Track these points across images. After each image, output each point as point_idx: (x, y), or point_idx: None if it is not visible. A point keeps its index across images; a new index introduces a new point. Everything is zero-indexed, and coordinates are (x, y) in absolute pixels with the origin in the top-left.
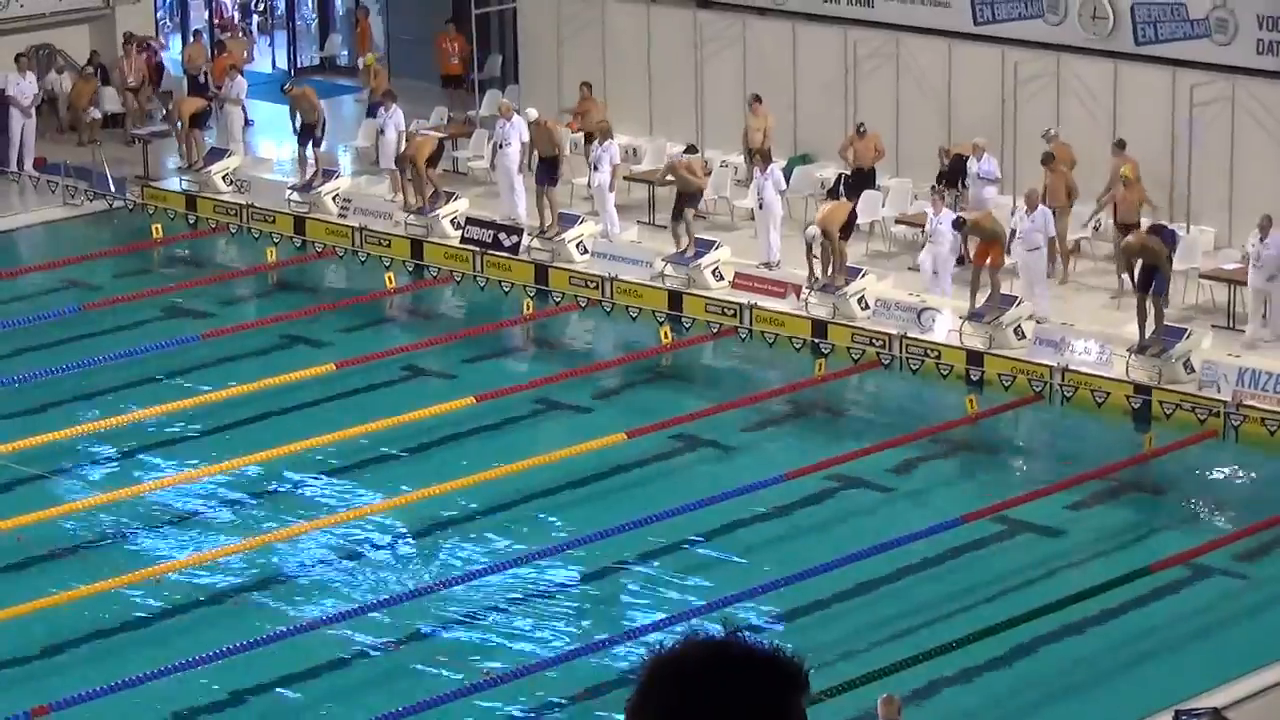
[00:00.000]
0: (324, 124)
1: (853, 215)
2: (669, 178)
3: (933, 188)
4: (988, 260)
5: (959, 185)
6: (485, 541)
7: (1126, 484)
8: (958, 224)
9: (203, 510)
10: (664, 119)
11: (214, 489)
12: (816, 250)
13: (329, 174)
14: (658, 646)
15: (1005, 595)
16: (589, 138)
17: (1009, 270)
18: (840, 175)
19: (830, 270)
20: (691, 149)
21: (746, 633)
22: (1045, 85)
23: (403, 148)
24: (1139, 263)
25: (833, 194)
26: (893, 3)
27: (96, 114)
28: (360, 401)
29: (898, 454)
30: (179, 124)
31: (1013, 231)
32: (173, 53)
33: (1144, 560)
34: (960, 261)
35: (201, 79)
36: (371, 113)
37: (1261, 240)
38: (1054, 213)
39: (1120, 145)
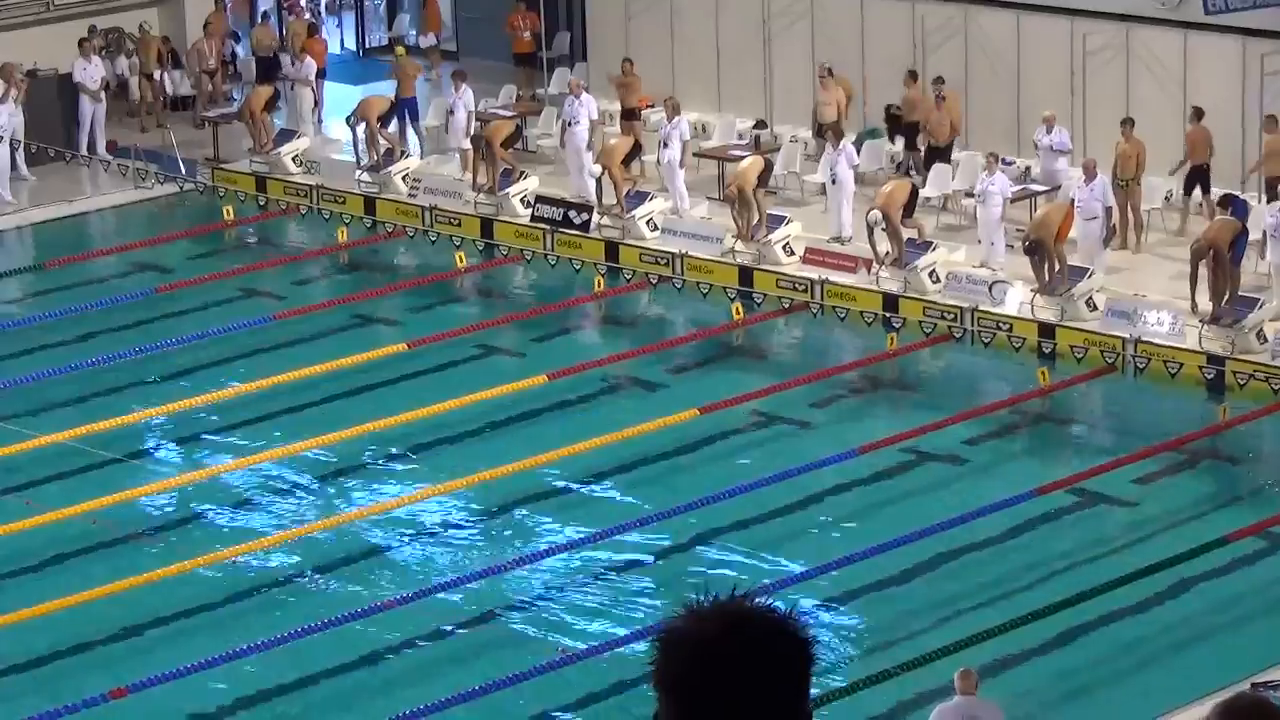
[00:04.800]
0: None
1: (914, 193)
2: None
3: (991, 155)
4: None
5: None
6: (559, 519)
7: (1201, 455)
8: (1030, 249)
9: (277, 491)
10: (732, 95)
11: (288, 470)
12: (879, 234)
13: (404, 153)
14: (669, 619)
15: (1081, 567)
16: (632, 113)
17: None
18: (906, 154)
19: (895, 250)
20: (761, 124)
21: (751, 598)
22: (1114, 56)
23: (472, 128)
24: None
25: (902, 168)
26: None
27: (168, 85)
28: (432, 381)
29: (971, 427)
30: (248, 120)
31: (1071, 200)
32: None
33: (1220, 531)
34: (1031, 250)
35: (273, 61)
36: (401, 111)
37: None
38: (1125, 184)
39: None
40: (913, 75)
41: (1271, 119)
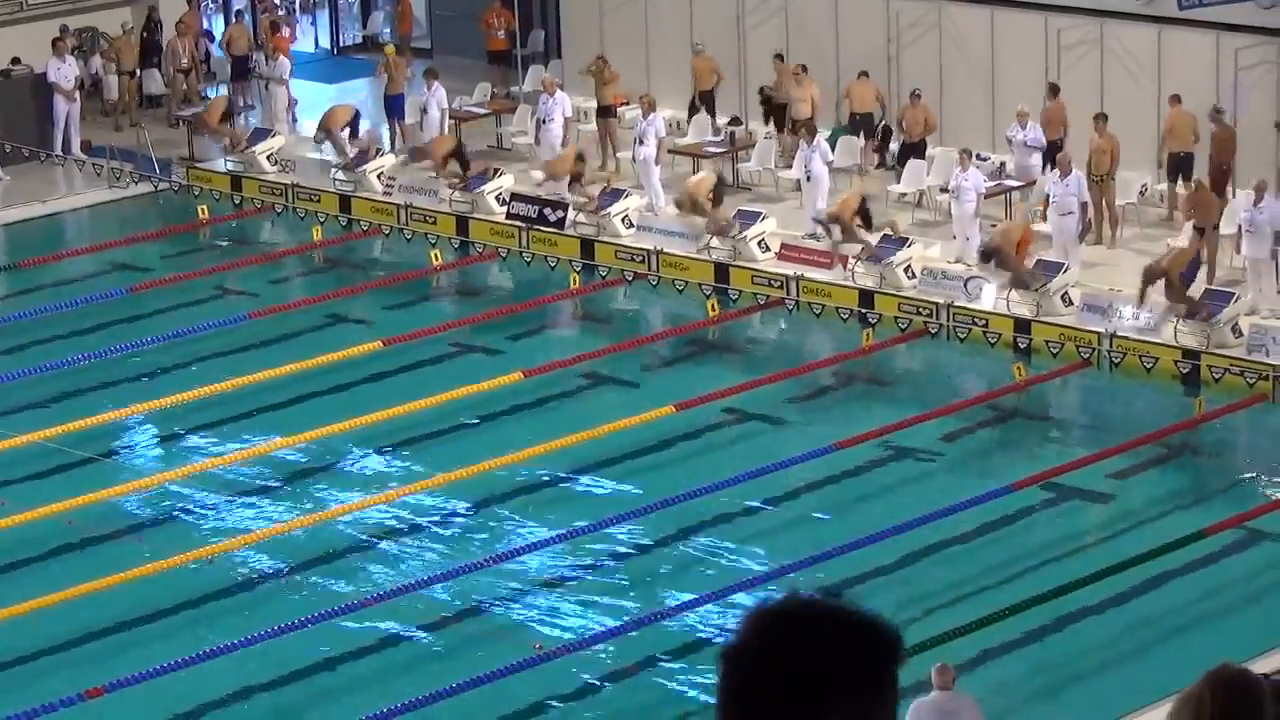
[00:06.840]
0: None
1: (864, 201)
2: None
3: (965, 151)
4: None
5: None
6: (535, 516)
7: (1177, 449)
8: (985, 257)
9: (253, 489)
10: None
11: (264, 468)
12: (837, 236)
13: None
14: (760, 600)
15: (1057, 562)
16: (607, 110)
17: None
18: (880, 144)
19: (860, 252)
20: (735, 121)
21: (841, 596)
22: (1088, 51)
23: (446, 126)
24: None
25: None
26: None
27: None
28: (408, 378)
29: (947, 423)
30: (206, 132)
31: (1046, 196)
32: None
33: (1196, 525)
34: (987, 256)
35: (247, 60)
36: (389, 107)
37: (1255, 204)
38: (1100, 179)
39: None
40: (779, 57)
41: (1175, 97)
